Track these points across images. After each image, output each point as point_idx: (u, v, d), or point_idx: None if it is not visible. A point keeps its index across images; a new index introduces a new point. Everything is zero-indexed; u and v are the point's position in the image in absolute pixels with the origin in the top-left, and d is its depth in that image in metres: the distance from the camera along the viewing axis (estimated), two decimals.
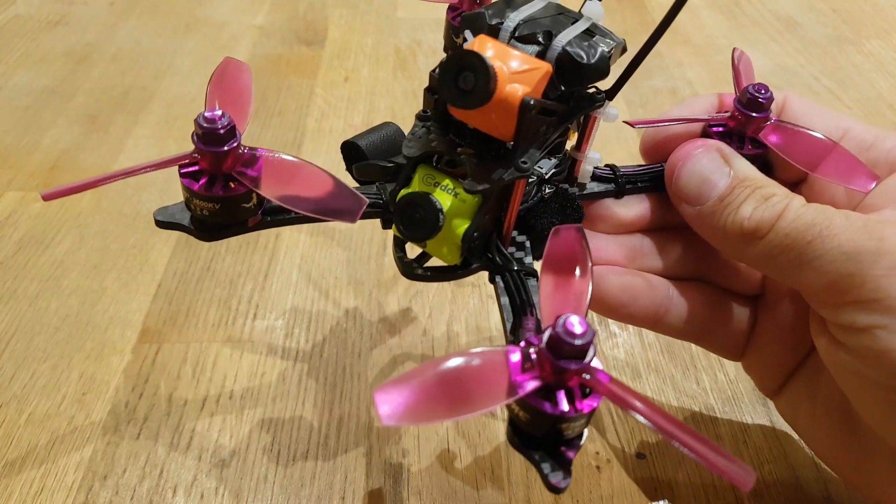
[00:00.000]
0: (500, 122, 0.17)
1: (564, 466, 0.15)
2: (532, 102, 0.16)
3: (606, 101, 0.20)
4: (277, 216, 0.20)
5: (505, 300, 0.19)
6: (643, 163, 0.24)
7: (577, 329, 0.14)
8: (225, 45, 0.51)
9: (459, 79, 0.16)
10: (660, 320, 0.23)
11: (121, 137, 0.41)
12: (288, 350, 0.30)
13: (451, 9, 0.25)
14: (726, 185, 0.20)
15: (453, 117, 0.18)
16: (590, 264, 0.18)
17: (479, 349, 0.15)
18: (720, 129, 0.23)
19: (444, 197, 0.19)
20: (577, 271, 0.17)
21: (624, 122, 0.23)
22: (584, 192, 0.22)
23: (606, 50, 0.18)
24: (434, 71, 0.19)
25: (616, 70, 0.19)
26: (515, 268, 0.20)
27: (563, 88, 0.18)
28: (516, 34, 0.18)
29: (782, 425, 0.28)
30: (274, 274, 0.33)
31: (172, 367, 0.29)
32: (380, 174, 0.21)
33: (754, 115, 0.22)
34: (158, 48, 0.50)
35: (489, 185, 0.18)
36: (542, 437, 0.15)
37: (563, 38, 0.18)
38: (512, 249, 0.21)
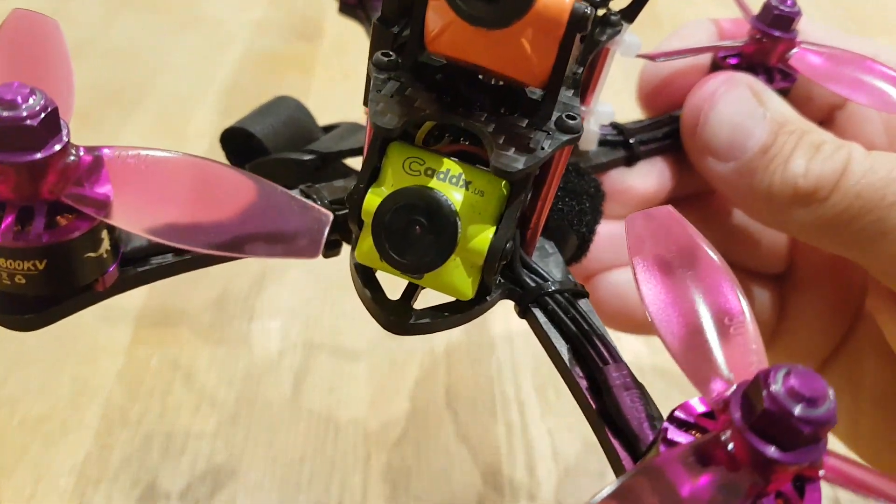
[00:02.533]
0: (534, 48, 0.11)
1: None
2: (588, 12, 0.11)
3: (625, 24, 0.15)
4: (148, 264, 0.13)
5: (559, 345, 0.13)
6: (643, 115, 0.20)
7: (812, 389, 0.09)
8: (220, 41, 0.50)
9: None
10: None
11: (113, 135, 0.40)
12: (284, 352, 0.29)
13: None
14: (766, 131, 0.16)
15: (433, 59, 0.12)
16: (730, 272, 0.12)
17: (621, 483, 0.09)
18: (736, 59, 0.19)
19: (450, 191, 0.12)
20: (715, 292, 0.11)
21: (638, 55, 0.17)
22: (591, 164, 0.17)
23: None
24: None
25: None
26: (554, 289, 0.13)
27: (597, 2, 0.13)
28: None
29: None
30: (270, 275, 0.33)
31: (166, 370, 0.28)
32: (296, 173, 0.15)
33: (781, 36, 0.18)
34: (153, 44, 0.49)
35: (534, 161, 0.11)
36: None
37: None
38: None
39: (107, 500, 0.24)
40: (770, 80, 0.18)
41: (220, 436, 0.26)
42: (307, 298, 0.32)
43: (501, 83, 0.12)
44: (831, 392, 0.09)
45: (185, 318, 0.30)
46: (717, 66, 0.19)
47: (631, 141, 0.18)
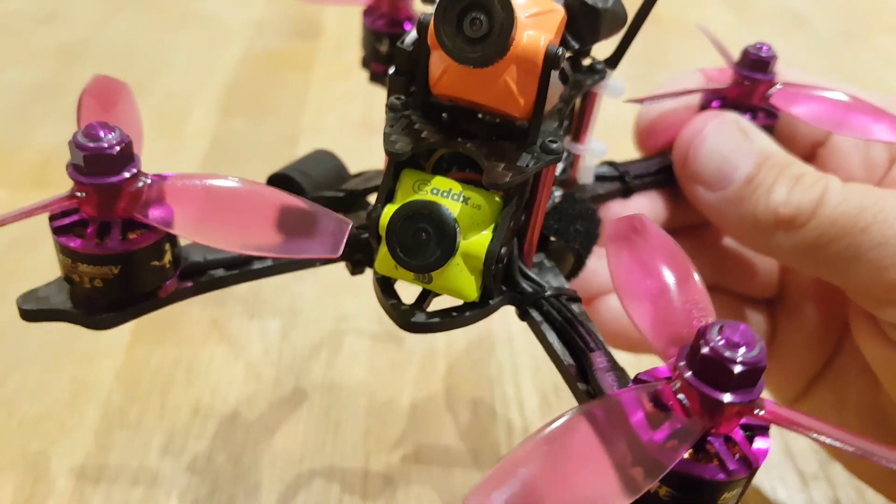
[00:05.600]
0: (517, 84, 0.13)
1: None
2: (560, 52, 0.13)
3: (608, 70, 0.17)
4: (203, 276, 0.15)
5: (552, 338, 0.15)
6: (638, 154, 0.22)
7: (742, 336, 0.10)
8: (219, 39, 0.50)
9: (465, 23, 0.12)
10: None
11: None
12: (283, 352, 0.29)
13: (367, 13, 0.21)
14: (752, 164, 0.18)
15: (437, 101, 0.14)
16: (685, 255, 0.13)
17: (583, 407, 0.11)
18: (718, 102, 0.20)
19: (451, 205, 0.14)
20: (673, 269, 0.13)
21: (628, 100, 0.19)
22: (589, 196, 0.19)
23: None
24: (402, 41, 0.15)
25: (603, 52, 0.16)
26: (549, 293, 0.15)
27: (576, 47, 0.15)
28: None
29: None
30: None
31: (165, 370, 0.28)
32: (329, 207, 0.16)
33: (760, 77, 0.20)
34: (151, 44, 0.49)
35: (520, 175, 0.13)
36: None
37: None
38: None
39: (106, 501, 0.24)
40: (754, 118, 0.20)
41: (220, 436, 0.26)
42: (307, 298, 0.32)
43: (498, 120, 0.14)
44: (759, 339, 0.10)
45: (184, 318, 0.30)
46: (704, 108, 0.21)
47: (625, 176, 0.20)
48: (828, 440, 0.11)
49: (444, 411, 0.27)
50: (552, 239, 0.17)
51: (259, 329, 0.30)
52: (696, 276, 0.13)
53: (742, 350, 0.10)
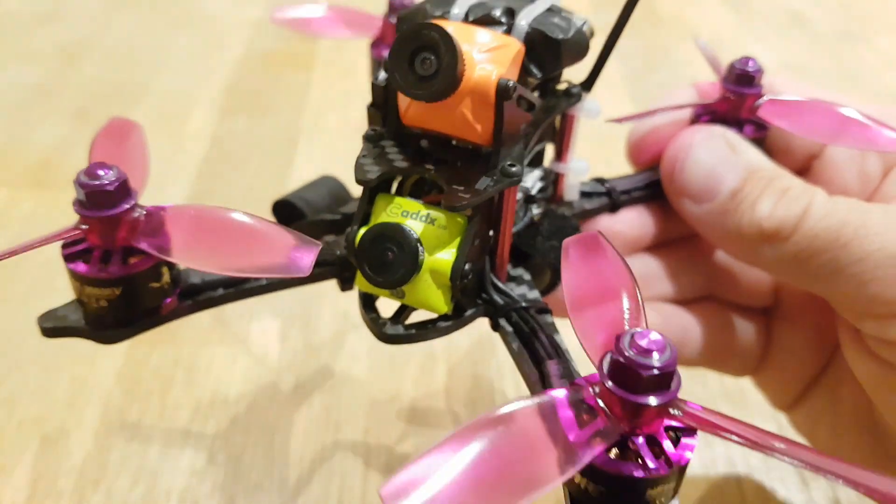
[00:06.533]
0: (474, 116, 0.14)
1: None
2: (511, 84, 0.14)
3: (584, 93, 0.17)
4: (201, 296, 0.17)
5: (517, 346, 0.16)
6: (630, 168, 0.22)
7: (653, 344, 0.11)
8: (218, 39, 0.50)
9: (416, 62, 0.13)
10: None
11: None
12: (284, 353, 0.29)
13: (374, 44, 0.22)
14: (738, 177, 0.18)
15: (410, 129, 0.15)
16: (629, 270, 0.14)
17: (512, 406, 0.11)
18: (707, 117, 0.21)
19: (418, 226, 0.15)
20: (616, 284, 0.13)
21: (608, 120, 0.20)
22: (575, 212, 0.20)
23: (580, 25, 0.16)
24: (376, 79, 0.15)
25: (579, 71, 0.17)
26: (522, 305, 0.16)
27: (539, 76, 0.16)
28: (469, 20, 0.16)
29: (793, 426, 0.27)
30: None
31: (165, 371, 0.28)
32: (327, 230, 0.18)
33: (746, 91, 0.20)
34: (151, 43, 0.49)
35: (476, 198, 0.14)
36: None
37: (526, 16, 0.15)
38: (509, 286, 0.17)
39: (106, 501, 0.24)
40: (741, 132, 0.20)
41: (220, 436, 0.26)
42: (307, 299, 0.32)
43: (470, 146, 0.15)
44: (670, 344, 0.11)
45: (184, 318, 0.30)
46: (695, 123, 0.21)
47: (612, 192, 0.20)
48: (743, 442, 0.11)
49: (444, 411, 0.27)
50: None
51: (259, 329, 0.30)
52: (637, 292, 0.13)
53: (654, 356, 0.11)
